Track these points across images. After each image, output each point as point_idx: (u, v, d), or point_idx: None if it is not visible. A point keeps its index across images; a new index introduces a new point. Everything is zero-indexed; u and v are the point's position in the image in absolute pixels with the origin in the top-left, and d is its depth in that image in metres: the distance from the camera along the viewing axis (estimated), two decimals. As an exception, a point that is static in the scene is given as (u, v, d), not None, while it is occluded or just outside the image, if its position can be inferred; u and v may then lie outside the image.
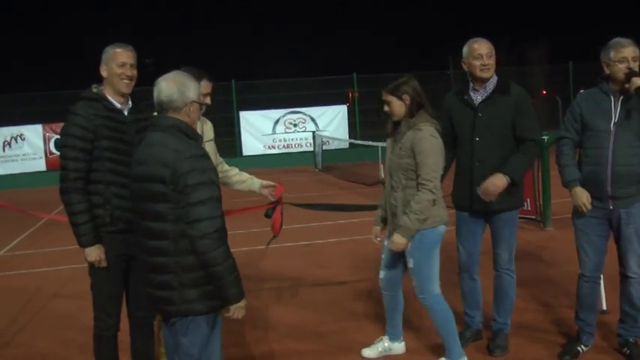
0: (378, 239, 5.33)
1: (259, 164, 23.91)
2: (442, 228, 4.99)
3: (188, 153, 3.51)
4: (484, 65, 5.18)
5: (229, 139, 26.21)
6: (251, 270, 8.39)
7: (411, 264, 5.00)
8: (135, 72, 4.52)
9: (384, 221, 5.26)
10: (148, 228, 3.61)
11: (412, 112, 4.92)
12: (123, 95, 4.49)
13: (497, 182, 5.08)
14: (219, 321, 3.79)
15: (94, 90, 4.45)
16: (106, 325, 4.54)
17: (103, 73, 4.47)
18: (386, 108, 5.00)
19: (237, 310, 3.66)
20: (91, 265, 4.47)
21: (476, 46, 5.22)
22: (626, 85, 4.81)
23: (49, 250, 11.24)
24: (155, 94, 3.67)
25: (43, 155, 25.86)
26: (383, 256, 5.32)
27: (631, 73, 4.79)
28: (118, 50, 4.46)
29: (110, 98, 4.45)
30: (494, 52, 5.25)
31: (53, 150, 26.18)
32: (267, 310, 6.94)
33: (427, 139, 4.81)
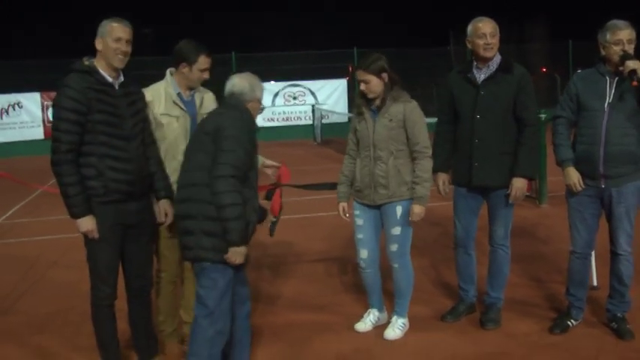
0: (347, 215, 5.46)
1: (258, 137, 23.81)
2: None
3: (237, 118, 4.22)
4: (487, 44, 5.26)
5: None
6: (249, 243, 8.47)
7: (397, 231, 5.24)
8: (130, 48, 4.53)
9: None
10: (181, 179, 4.34)
11: (390, 87, 5.15)
12: (115, 69, 4.50)
13: (520, 185, 5.32)
14: (232, 279, 4.23)
15: (86, 63, 4.45)
16: (103, 294, 4.59)
17: (98, 46, 4.46)
18: (362, 87, 5.17)
19: (235, 254, 4.12)
20: (86, 235, 4.53)
21: (480, 25, 5.29)
22: (620, 68, 4.90)
23: (47, 218, 11.31)
24: (228, 87, 4.45)
25: (40, 123, 25.85)
26: (360, 236, 5.44)
27: (625, 56, 4.88)
28: (115, 25, 4.46)
29: (102, 72, 4.44)
30: (498, 32, 5.32)
31: (51, 118, 26.24)
32: (265, 283, 7.05)
33: (418, 110, 5.19)
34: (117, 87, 4.51)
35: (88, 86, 4.34)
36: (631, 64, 4.81)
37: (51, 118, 26.39)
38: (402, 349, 5.23)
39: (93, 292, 4.63)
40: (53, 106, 4.43)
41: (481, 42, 5.26)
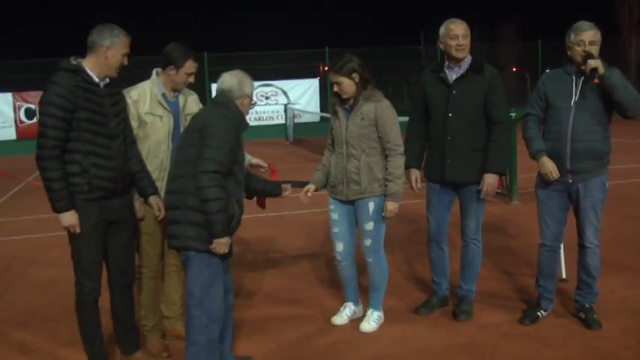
0: (310, 194, 5.60)
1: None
2: None
3: (223, 116, 4.36)
4: (459, 45, 5.44)
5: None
6: (233, 237, 8.58)
7: (370, 227, 5.41)
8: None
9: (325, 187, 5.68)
10: (171, 172, 4.52)
11: (363, 87, 5.33)
12: (107, 75, 4.63)
13: (491, 181, 5.51)
14: (219, 268, 4.35)
15: (74, 62, 4.54)
16: (88, 289, 4.68)
17: (108, 53, 4.54)
18: (335, 88, 5.35)
19: (218, 245, 4.27)
20: (72, 233, 4.61)
21: (452, 27, 5.46)
22: (583, 67, 5.11)
23: (24, 217, 11.35)
24: (218, 84, 4.61)
25: (13, 124, 25.77)
26: (335, 230, 5.59)
27: (587, 56, 5.09)
28: (126, 40, 4.62)
29: (89, 72, 4.54)
30: (469, 33, 5.51)
31: (23, 119, 26.07)
32: (243, 278, 7.17)
33: (389, 109, 5.36)
34: (102, 87, 4.62)
35: (75, 84, 4.44)
36: (592, 62, 5.03)
37: (24, 119, 26.32)
38: (378, 340, 5.38)
39: (77, 287, 4.72)
40: (40, 103, 4.48)
41: (453, 43, 5.44)
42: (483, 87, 5.49)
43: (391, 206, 5.34)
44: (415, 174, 5.75)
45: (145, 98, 5.01)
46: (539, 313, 5.60)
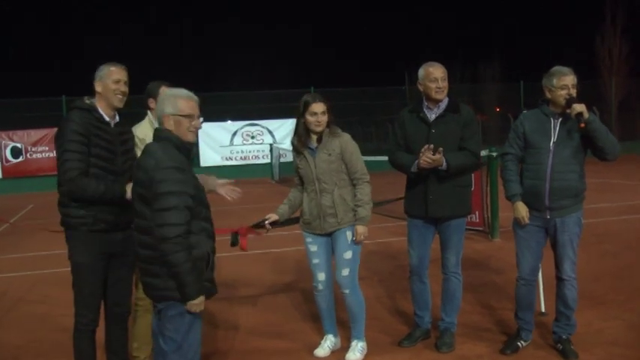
0: (268, 222, 5.69)
1: (217, 175, 24.09)
2: None
3: (165, 164, 3.93)
4: (439, 88, 5.68)
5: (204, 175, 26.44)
6: (214, 270, 8.70)
7: (349, 255, 5.58)
8: (127, 89, 4.90)
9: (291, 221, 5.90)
10: (137, 224, 4.10)
11: (329, 124, 5.61)
12: (113, 109, 4.87)
13: (438, 158, 5.53)
14: (199, 315, 4.18)
15: (87, 102, 4.80)
16: (87, 319, 4.80)
17: (98, 88, 4.83)
18: (320, 118, 5.56)
19: (193, 307, 4.05)
20: (75, 264, 4.77)
21: (431, 69, 5.70)
22: (567, 111, 5.34)
23: (11, 256, 11.44)
24: None
25: (-1, 163, 25.78)
26: (316, 261, 5.76)
27: (571, 100, 5.33)
28: (113, 69, 4.86)
29: (101, 111, 4.80)
30: (447, 76, 5.75)
31: (9, 157, 26.09)
32: (229, 313, 7.30)
33: (352, 141, 5.67)
34: (112, 125, 4.86)
35: (88, 122, 4.69)
36: (577, 107, 5.25)
37: (10, 158, 26.28)
38: (362, 372, 5.50)
39: (77, 318, 4.83)
40: (58, 139, 4.69)
41: (433, 85, 5.67)
42: (460, 125, 5.71)
43: (361, 229, 5.55)
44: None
45: (149, 137, 5.18)
46: (519, 344, 5.76)
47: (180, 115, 4.12)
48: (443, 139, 5.66)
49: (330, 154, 5.54)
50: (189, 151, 4.17)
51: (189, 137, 4.17)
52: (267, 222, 5.69)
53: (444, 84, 5.69)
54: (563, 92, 5.39)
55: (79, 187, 4.62)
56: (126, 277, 5.02)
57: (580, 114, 5.23)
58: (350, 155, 5.56)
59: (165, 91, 4.28)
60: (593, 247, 9.42)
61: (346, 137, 5.62)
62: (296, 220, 5.92)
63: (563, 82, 5.40)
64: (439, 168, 5.58)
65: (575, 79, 5.45)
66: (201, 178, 5.03)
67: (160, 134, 4.14)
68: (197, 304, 4.05)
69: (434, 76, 5.67)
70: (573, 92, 5.39)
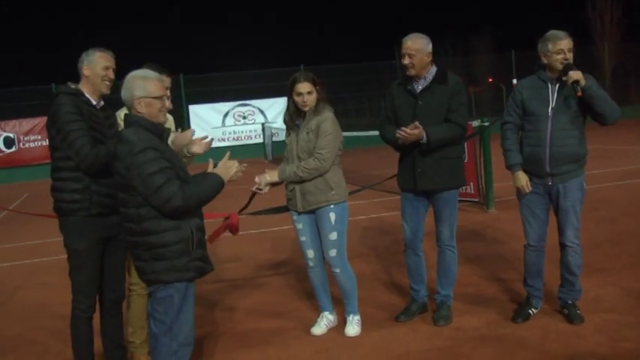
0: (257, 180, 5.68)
1: (209, 157, 24.06)
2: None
3: (140, 146, 3.92)
4: (407, 64, 5.63)
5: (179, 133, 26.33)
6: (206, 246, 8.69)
7: (334, 237, 5.57)
8: (114, 75, 4.86)
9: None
10: (120, 212, 4.09)
11: (318, 102, 5.53)
12: (99, 94, 4.84)
13: (416, 132, 5.46)
14: (191, 295, 4.19)
15: (72, 86, 4.76)
16: (85, 306, 4.78)
17: (86, 72, 4.78)
18: (306, 98, 5.50)
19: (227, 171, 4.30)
20: (72, 251, 4.74)
21: (403, 44, 5.63)
22: (564, 78, 5.29)
23: (6, 246, 11.41)
24: None
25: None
26: (303, 238, 5.75)
27: (568, 66, 5.27)
28: (103, 55, 4.82)
29: (87, 95, 4.77)
30: (421, 47, 5.59)
31: (3, 148, 26.05)
32: (224, 294, 7.29)
33: (330, 120, 5.52)
34: (98, 108, 4.82)
35: (78, 105, 4.66)
36: (574, 75, 5.20)
37: (2, 147, 26.28)
38: (359, 348, 5.49)
39: (74, 304, 4.82)
40: (53, 125, 4.64)
41: (403, 61, 5.63)
42: (447, 96, 5.64)
43: (271, 175, 5.62)
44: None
45: None
46: (530, 311, 5.77)
47: (152, 97, 4.11)
48: (429, 111, 5.61)
49: (308, 133, 5.52)
50: (162, 131, 4.17)
51: (161, 118, 4.19)
52: (255, 188, 5.67)
53: (416, 58, 5.58)
54: (560, 57, 5.34)
55: (97, 157, 4.58)
56: (120, 261, 5.00)
57: (576, 82, 5.19)
58: (322, 133, 5.47)
59: (132, 75, 4.15)
60: (589, 214, 9.35)
61: (326, 116, 5.53)
62: (286, 208, 5.92)
63: (559, 46, 5.35)
64: (420, 142, 5.52)
65: (571, 43, 5.38)
66: (177, 137, 5.16)
67: (129, 119, 4.11)
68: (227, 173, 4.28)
69: (403, 51, 5.62)
70: (570, 56, 5.34)
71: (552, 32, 5.44)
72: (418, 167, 5.66)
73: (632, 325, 5.43)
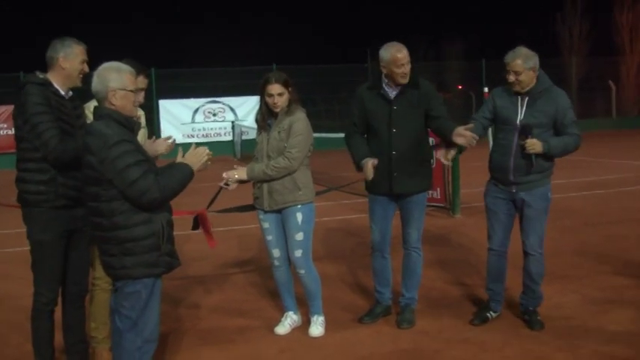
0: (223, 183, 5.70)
1: (178, 153, 23.93)
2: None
3: (114, 140, 3.89)
4: (405, 73, 5.64)
5: (148, 127, 26.13)
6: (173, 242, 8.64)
7: (300, 237, 5.60)
8: (88, 69, 4.81)
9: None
10: (89, 206, 4.06)
11: (290, 102, 5.56)
12: (71, 86, 4.79)
13: (465, 133, 5.47)
14: (157, 291, 4.18)
15: (40, 76, 4.68)
16: (46, 299, 4.73)
17: (64, 64, 4.69)
18: (276, 100, 5.52)
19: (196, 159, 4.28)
20: (35, 243, 4.68)
21: (399, 56, 5.57)
22: (521, 143, 5.45)
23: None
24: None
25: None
26: (269, 237, 5.76)
27: (523, 128, 5.43)
28: (80, 47, 4.77)
29: (56, 85, 4.70)
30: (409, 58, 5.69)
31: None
32: (189, 291, 7.26)
33: (302, 121, 5.57)
34: (67, 99, 4.77)
35: (47, 95, 4.59)
36: (530, 148, 5.38)
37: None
38: (323, 348, 5.51)
39: (35, 297, 4.76)
40: (20, 115, 4.59)
41: (399, 71, 5.60)
42: (421, 99, 5.69)
43: (240, 172, 5.62)
44: (370, 161, 5.63)
45: None
46: (488, 315, 5.87)
47: (128, 90, 4.08)
48: (406, 116, 5.66)
49: (279, 132, 5.53)
50: (133, 124, 4.14)
51: (134, 112, 4.19)
52: (222, 183, 5.68)
53: (409, 68, 5.65)
54: (510, 76, 5.47)
55: (64, 151, 4.53)
56: (83, 255, 4.95)
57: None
58: (294, 133, 5.49)
59: (105, 66, 4.10)
60: (554, 223, 9.45)
61: (299, 116, 5.57)
62: (253, 207, 5.90)
63: (508, 67, 5.47)
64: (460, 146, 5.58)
65: (524, 65, 5.42)
66: (149, 144, 5.17)
67: (100, 112, 4.07)
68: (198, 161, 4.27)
69: (401, 62, 5.60)
70: (516, 78, 5.43)
71: (510, 52, 5.51)
72: (395, 171, 5.68)
73: (592, 332, 5.53)
